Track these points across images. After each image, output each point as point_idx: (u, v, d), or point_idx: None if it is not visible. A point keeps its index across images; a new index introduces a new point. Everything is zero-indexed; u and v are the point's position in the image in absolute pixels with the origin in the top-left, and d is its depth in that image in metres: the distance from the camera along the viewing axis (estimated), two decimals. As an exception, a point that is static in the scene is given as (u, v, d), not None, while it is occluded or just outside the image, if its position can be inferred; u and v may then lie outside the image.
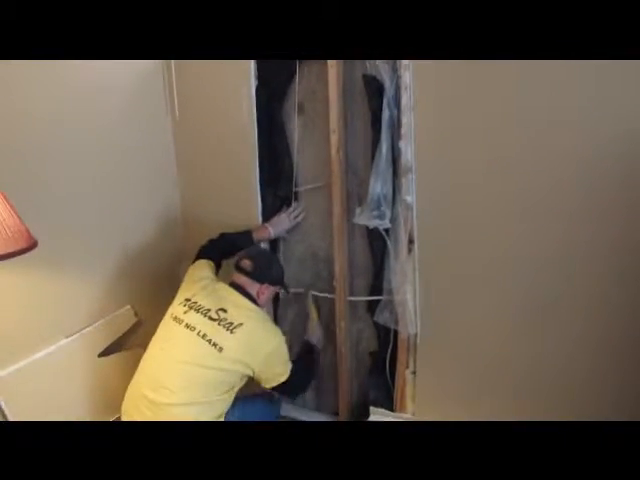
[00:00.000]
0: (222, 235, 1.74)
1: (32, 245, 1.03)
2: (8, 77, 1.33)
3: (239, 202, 1.85)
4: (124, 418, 1.44)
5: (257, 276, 1.57)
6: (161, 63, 1.83)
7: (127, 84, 1.73)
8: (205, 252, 1.71)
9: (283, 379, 1.51)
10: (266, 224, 1.78)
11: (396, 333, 1.70)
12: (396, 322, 1.64)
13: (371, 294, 1.76)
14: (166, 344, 1.46)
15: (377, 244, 1.70)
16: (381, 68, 1.53)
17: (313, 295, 1.85)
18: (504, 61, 1.31)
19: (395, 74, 1.52)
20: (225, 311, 1.46)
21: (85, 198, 1.60)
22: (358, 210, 1.58)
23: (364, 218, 1.55)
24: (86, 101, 1.58)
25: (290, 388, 1.59)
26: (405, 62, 1.47)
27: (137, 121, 1.78)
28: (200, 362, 1.39)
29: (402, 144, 1.53)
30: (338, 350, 1.81)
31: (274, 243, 1.89)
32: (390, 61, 1.51)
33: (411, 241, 1.60)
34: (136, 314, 1.78)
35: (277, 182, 1.83)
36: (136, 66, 1.75)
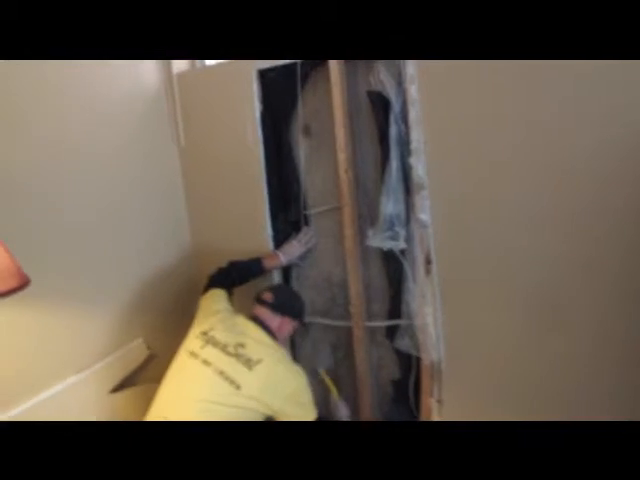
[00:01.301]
0: (231, 263, 1.68)
1: (23, 284, 1.00)
2: (10, 105, 1.34)
3: (249, 229, 1.80)
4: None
5: (278, 308, 1.52)
6: (164, 89, 1.83)
7: (132, 111, 1.74)
8: (216, 281, 1.64)
9: None
10: (277, 251, 1.72)
11: (419, 359, 1.60)
12: (417, 348, 1.54)
13: (389, 319, 1.68)
14: (181, 381, 1.39)
15: (393, 266, 1.62)
16: (386, 83, 1.48)
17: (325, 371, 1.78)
18: (513, 68, 1.25)
19: (400, 88, 1.46)
20: (243, 346, 1.38)
21: (91, 229, 1.58)
22: (371, 232, 1.51)
23: (377, 240, 1.48)
24: (90, 129, 1.59)
25: None
26: (410, 74, 1.42)
27: (143, 148, 1.78)
28: (217, 400, 1.31)
29: (413, 160, 1.46)
30: (359, 379, 1.72)
31: (286, 269, 1.83)
32: (395, 75, 1.47)
33: (429, 261, 1.51)
34: (148, 347, 1.74)
35: (287, 206, 1.78)
36: (140, 93, 1.77)
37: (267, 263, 1.69)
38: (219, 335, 1.41)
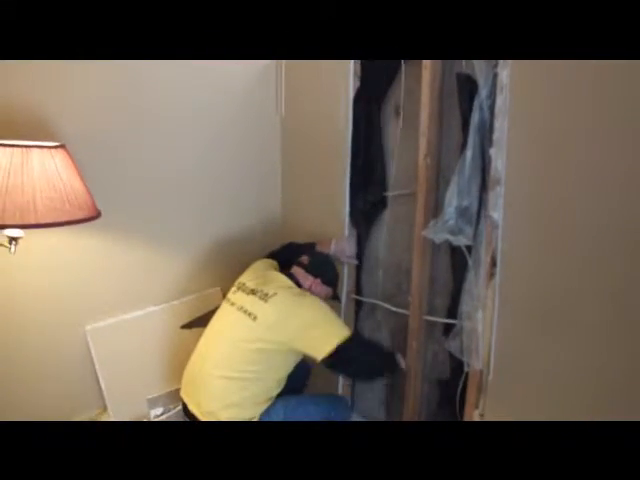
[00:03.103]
0: (290, 243, 1.84)
1: (91, 217, 1.20)
2: (124, 71, 1.55)
3: (330, 203, 1.84)
4: (182, 390, 1.56)
5: (312, 270, 1.62)
6: (275, 62, 1.92)
7: (244, 80, 1.88)
8: (272, 254, 1.80)
9: (333, 345, 1.36)
10: (333, 239, 1.79)
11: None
12: (461, 352, 1.45)
13: (448, 316, 1.59)
14: (214, 323, 1.57)
15: (459, 262, 1.52)
16: (476, 65, 1.36)
17: None
18: (618, 68, 1.07)
19: (491, 72, 1.34)
20: (265, 286, 1.51)
21: (191, 184, 1.79)
22: (432, 222, 1.44)
23: (434, 231, 1.40)
24: (208, 94, 1.78)
25: (348, 361, 1.41)
26: (502, 58, 1.29)
27: (250, 114, 1.92)
28: (239, 336, 1.45)
29: (493, 151, 1.35)
30: (407, 372, 1.67)
31: (360, 248, 1.84)
32: (487, 57, 1.34)
33: (494, 264, 1.39)
34: (224, 296, 1.91)
35: (369, 186, 1.77)
36: (253, 66, 1.89)
37: (320, 248, 1.78)
38: (249, 283, 1.56)
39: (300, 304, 1.46)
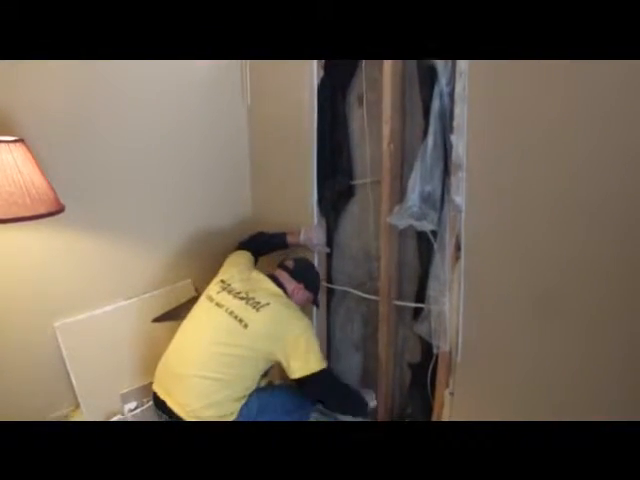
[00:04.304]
0: (258, 233, 1.85)
1: (56, 210, 1.19)
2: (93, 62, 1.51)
3: (298, 192, 1.85)
4: (155, 384, 1.55)
5: (296, 274, 1.63)
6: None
7: (210, 74, 1.86)
8: (243, 245, 1.81)
9: (310, 372, 1.41)
10: (302, 228, 1.80)
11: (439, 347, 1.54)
12: (430, 335, 1.48)
13: (416, 301, 1.62)
14: (195, 320, 1.55)
15: (425, 247, 1.56)
16: (435, 53, 1.39)
17: None
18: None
19: (450, 60, 1.37)
20: (254, 291, 1.51)
21: (160, 178, 1.77)
22: (397, 208, 1.47)
23: (398, 217, 1.43)
24: (172, 84, 1.75)
25: (322, 389, 1.48)
26: (460, 46, 1.32)
27: (217, 107, 1.89)
28: (225, 339, 1.44)
29: (454, 138, 1.37)
30: (379, 358, 1.71)
31: (329, 237, 1.86)
32: (446, 45, 1.37)
33: (458, 248, 1.43)
34: (196, 289, 1.91)
35: (335, 175, 1.79)
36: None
37: (290, 238, 1.80)
38: (235, 284, 1.55)
39: (291, 319, 1.48)
